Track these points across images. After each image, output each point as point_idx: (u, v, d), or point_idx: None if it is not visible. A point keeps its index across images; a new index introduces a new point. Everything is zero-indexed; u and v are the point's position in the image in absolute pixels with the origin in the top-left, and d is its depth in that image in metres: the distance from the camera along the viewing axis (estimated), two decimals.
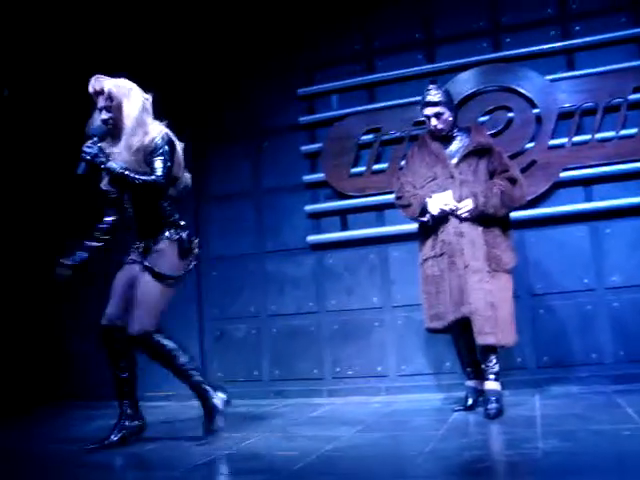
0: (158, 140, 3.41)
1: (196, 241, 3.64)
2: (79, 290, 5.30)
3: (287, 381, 5.22)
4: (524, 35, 4.87)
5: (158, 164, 3.37)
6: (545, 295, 4.67)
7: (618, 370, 4.41)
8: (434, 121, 3.88)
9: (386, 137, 5.08)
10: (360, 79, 5.27)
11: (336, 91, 5.35)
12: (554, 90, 4.73)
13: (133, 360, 3.56)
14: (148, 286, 3.43)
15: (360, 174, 5.13)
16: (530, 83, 4.78)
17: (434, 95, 3.88)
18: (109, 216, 3.73)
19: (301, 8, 5.44)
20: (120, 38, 5.66)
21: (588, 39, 4.70)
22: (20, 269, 5.72)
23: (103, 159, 3.31)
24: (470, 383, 3.96)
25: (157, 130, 3.45)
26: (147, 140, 3.39)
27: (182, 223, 3.60)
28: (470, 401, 3.90)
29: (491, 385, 3.71)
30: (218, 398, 3.49)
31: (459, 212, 3.73)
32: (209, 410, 3.47)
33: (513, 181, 3.79)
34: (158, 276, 3.43)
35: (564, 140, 4.64)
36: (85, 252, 3.63)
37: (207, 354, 5.49)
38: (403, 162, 4.51)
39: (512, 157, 4.32)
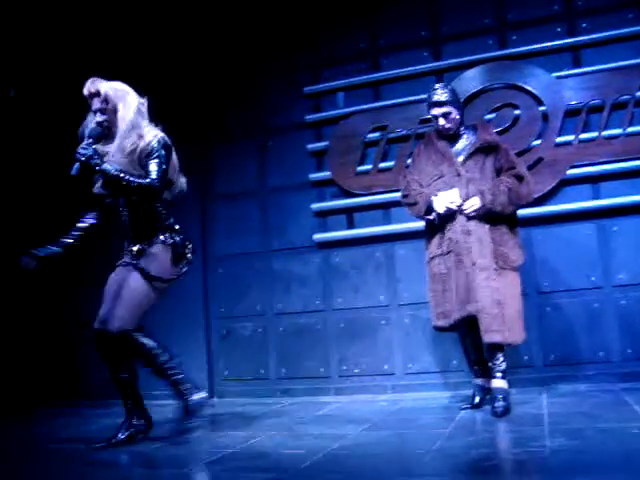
0: (154, 143, 3.40)
1: (190, 246, 3.62)
2: (79, 290, 5.32)
3: (293, 379, 5.22)
4: (530, 32, 4.85)
5: (153, 167, 3.36)
6: (552, 293, 4.66)
7: (626, 368, 4.39)
8: (442, 121, 3.87)
9: (392, 135, 5.08)
10: (366, 77, 5.27)
11: (342, 89, 5.35)
12: (561, 87, 4.71)
13: (131, 360, 3.54)
14: (135, 285, 3.43)
15: (366, 172, 5.13)
16: (536, 80, 4.76)
17: (441, 94, 3.86)
18: (91, 217, 3.69)
19: (307, 6, 5.45)
20: (127, 38, 5.68)
21: (595, 36, 4.69)
22: (20, 269, 5.70)
23: (98, 161, 3.31)
24: (477, 381, 3.96)
25: (152, 133, 3.44)
26: (142, 143, 3.38)
27: (177, 227, 3.59)
28: (477, 399, 3.90)
29: (498, 383, 3.71)
30: (196, 398, 3.48)
31: (466, 210, 3.72)
32: (186, 409, 3.48)
33: (520, 178, 3.78)
34: (147, 277, 3.43)
35: (571, 137, 4.63)
36: (57, 247, 3.57)
37: (213, 353, 5.50)
38: (409, 160, 4.50)
39: (519, 154, 4.31)
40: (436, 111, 3.88)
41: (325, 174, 5.28)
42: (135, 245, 3.52)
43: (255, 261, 5.46)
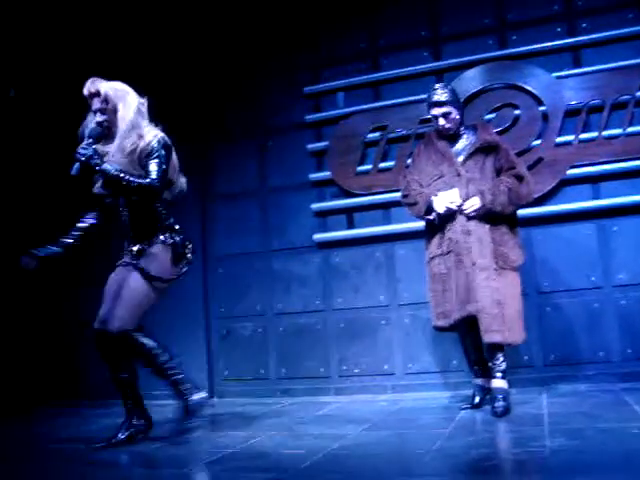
0: (154, 143, 3.39)
1: (190, 246, 3.61)
2: (79, 290, 5.32)
3: (293, 379, 5.22)
4: (530, 32, 4.85)
5: (153, 167, 3.36)
6: (552, 293, 4.66)
7: (626, 368, 4.39)
8: (442, 121, 3.87)
9: (392, 135, 5.08)
10: (366, 77, 5.27)
11: (342, 89, 5.34)
12: (561, 87, 4.71)
13: (131, 360, 3.54)
14: (135, 285, 3.42)
15: (366, 172, 5.13)
16: (536, 80, 4.76)
17: (441, 94, 3.85)
18: (91, 217, 3.69)
19: (307, 6, 5.45)
20: (127, 38, 5.68)
21: (595, 36, 4.69)
22: (20, 269, 5.70)
23: (98, 161, 3.30)
24: (477, 381, 3.96)
25: (153, 133, 3.43)
26: (142, 143, 3.37)
27: (177, 227, 3.59)
28: (477, 399, 3.90)
29: (498, 383, 3.71)
30: (196, 398, 3.48)
31: (466, 210, 3.72)
32: (186, 409, 3.48)
33: (520, 178, 3.78)
34: (147, 277, 3.43)
35: (571, 137, 4.62)
36: (57, 247, 3.56)
37: (213, 353, 5.50)
38: (409, 160, 4.50)
39: (519, 154, 4.30)
40: (436, 111, 3.87)
41: (325, 174, 5.28)
42: (135, 245, 3.51)
43: (255, 261, 5.46)
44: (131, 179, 3.30)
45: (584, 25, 4.77)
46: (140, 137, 3.39)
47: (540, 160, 4.64)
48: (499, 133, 4.51)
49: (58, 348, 5.80)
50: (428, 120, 4.35)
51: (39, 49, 5.80)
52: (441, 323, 3.83)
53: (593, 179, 4.62)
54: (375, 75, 5.25)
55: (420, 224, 4.11)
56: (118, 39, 5.68)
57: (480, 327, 3.62)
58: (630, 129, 4.50)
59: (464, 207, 3.72)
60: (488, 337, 3.61)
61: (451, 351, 4.62)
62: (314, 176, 5.32)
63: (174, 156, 3.56)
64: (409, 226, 4.76)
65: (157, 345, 3.46)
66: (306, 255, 5.33)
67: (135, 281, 3.43)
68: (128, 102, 3.43)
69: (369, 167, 5.12)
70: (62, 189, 4.80)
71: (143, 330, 3.46)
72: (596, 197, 4.63)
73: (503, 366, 3.71)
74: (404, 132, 5.03)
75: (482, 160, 3.83)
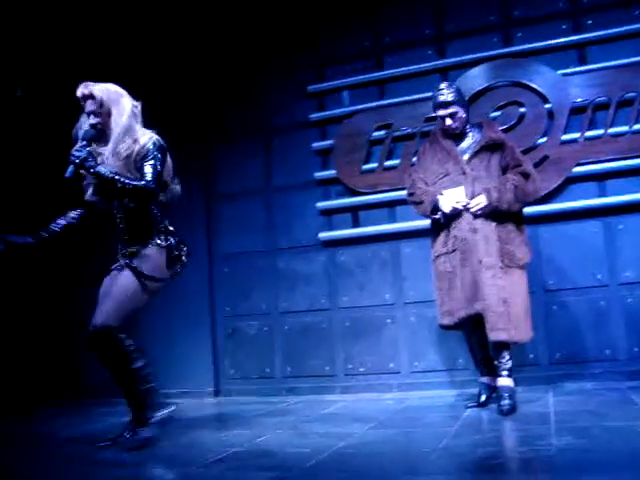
0: (150, 145, 3.36)
1: (185, 248, 3.58)
2: (79, 290, 5.32)
3: (299, 378, 5.22)
4: (535, 29, 4.84)
5: (148, 169, 3.32)
6: (558, 291, 4.65)
7: (632, 366, 4.38)
8: (449, 121, 3.85)
9: (397, 133, 5.07)
10: (370, 75, 5.26)
11: (346, 87, 5.34)
12: (566, 85, 4.70)
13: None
14: (125, 282, 3.38)
15: (372, 170, 5.12)
16: (542, 78, 4.75)
17: (447, 95, 3.83)
18: (73, 215, 3.62)
19: (311, 5, 5.44)
20: (128, 39, 5.69)
21: (600, 33, 4.67)
22: (19, 269, 5.71)
23: (92, 163, 3.26)
24: (483, 379, 3.95)
25: (147, 136, 3.40)
26: (138, 147, 3.34)
27: (171, 229, 3.56)
28: (483, 397, 3.89)
29: (504, 381, 3.70)
30: (162, 414, 3.39)
31: (472, 208, 3.71)
32: (140, 421, 3.36)
33: (526, 176, 3.77)
34: (139, 275, 3.39)
35: (577, 135, 4.61)
36: (30, 238, 3.50)
37: (219, 351, 5.50)
38: (415, 158, 4.49)
39: (524, 152, 4.29)
40: (443, 112, 3.85)
41: (330, 172, 5.27)
42: (130, 247, 3.48)
43: (260, 260, 5.46)
44: (126, 181, 3.26)
45: (590, 22, 4.76)
46: (135, 141, 3.35)
47: (546, 158, 4.63)
48: (504, 131, 4.49)
49: (59, 348, 5.80)
50: (433, 118, 4.34)
51: (45, 49, 5.81)
52: (446, 321, 3.83)
53: (599, 177, 4.61)
54: (379, 73, 5.25)
55: (425, 222, 4.10)
56: (119, 40, 5.68)
57: (486, 325, 3.61)
58: (636, 126, 4.48)
59: (470, 205, 3.71)
60: (494, 335, 3.61)
61: (457, 349, 4.62)
62: (319, 175, 5.32)
63: (169, 158, 3.54)
64: (414, 224, 4.75)
65: (137, 349, 3.35)
66: (311, 254, 5.32)
67: (125, 278, 3.39)
68: (122, 105, 3.40)
69: (374, 165, 5.11)
70: (62, 189, 4.80)
71: (127, 332, 3.35)
72: (602, 195, 4.61)
73: (509, 364, 3.71)
74: (409, 130, 5.02)
75: (488, 158, 3.82)
